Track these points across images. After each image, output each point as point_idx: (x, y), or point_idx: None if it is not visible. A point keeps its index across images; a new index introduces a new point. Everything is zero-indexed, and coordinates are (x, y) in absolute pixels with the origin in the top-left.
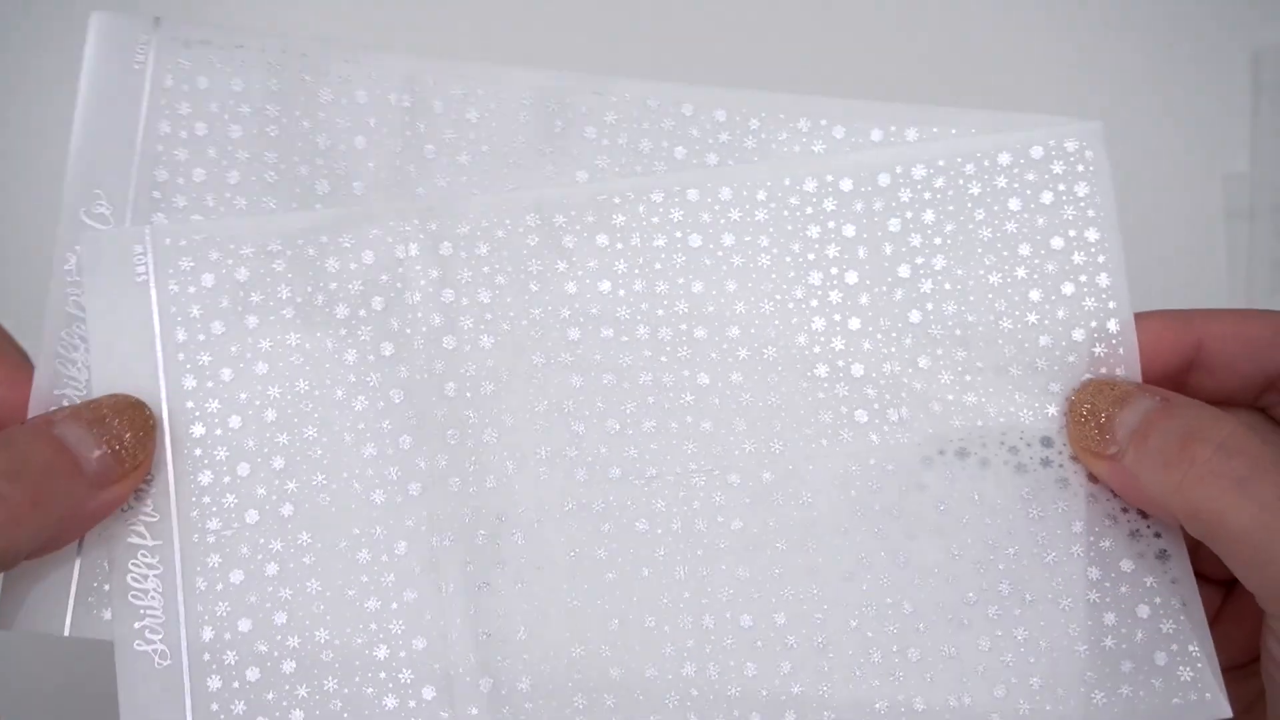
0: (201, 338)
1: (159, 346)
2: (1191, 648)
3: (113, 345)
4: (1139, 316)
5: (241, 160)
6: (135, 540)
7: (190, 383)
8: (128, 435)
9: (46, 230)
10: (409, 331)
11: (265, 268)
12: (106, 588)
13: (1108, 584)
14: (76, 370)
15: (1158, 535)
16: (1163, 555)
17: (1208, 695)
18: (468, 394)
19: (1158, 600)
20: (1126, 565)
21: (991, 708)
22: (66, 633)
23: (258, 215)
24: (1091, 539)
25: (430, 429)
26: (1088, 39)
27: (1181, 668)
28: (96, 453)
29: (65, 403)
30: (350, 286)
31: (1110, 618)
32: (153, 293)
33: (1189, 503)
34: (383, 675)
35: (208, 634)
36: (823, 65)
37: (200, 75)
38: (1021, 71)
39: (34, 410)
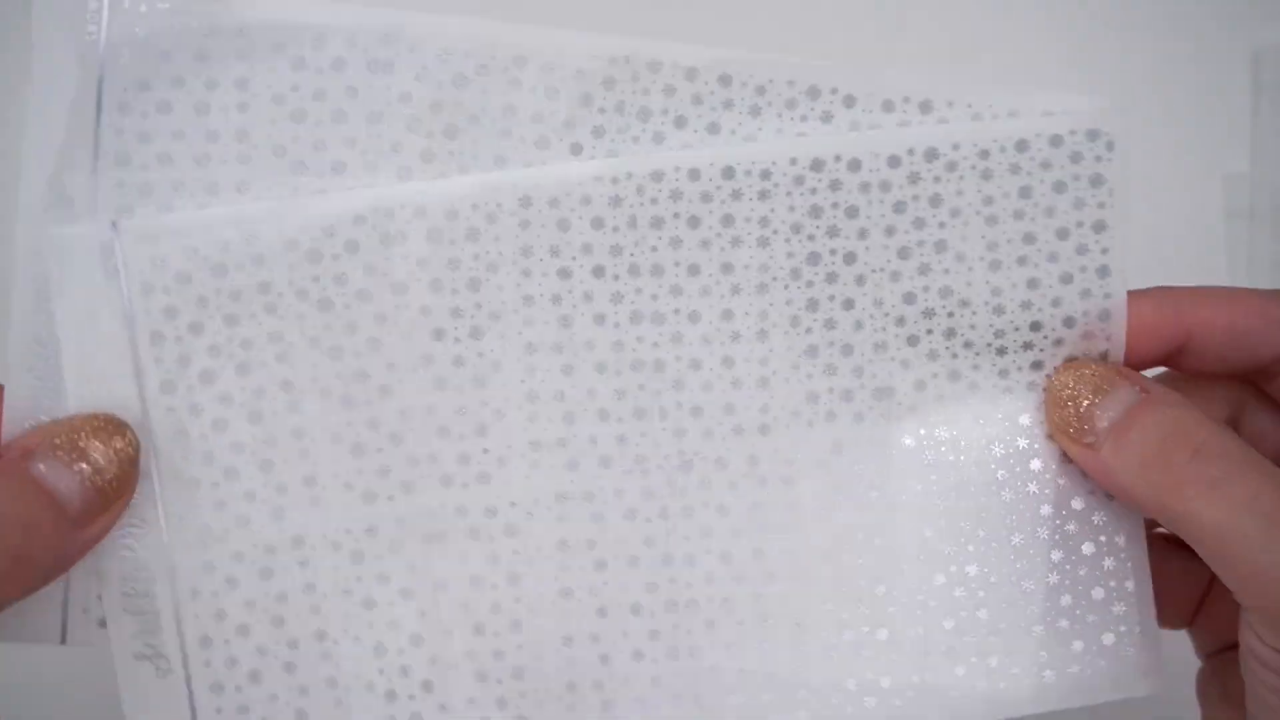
0: (182, 339)
1: (136, 350)
2: (1138, 628)
3: (86, 352)
4: (1132, 295)
5: (212, 148)
6: (126, 553)
7: (171, 386)
8: (109, 464)
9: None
10: (399, 326)
11: (246, 264)
12: (99, 596)
13: (1068, 566)
14: (50, 383)
15: (1120, 518)
16: (1122, 537)
17: (1146, 675)
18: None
19: (1112, 584)
20: (1088, 549)
21: (951, 685)
22: (61, 642)
23: (236, 207)
24: (1058, 522)
25: (420, 424)
26: (1088, 39)
27: (1128, 648)
28: (78, 490)
29: (43, 416)
30: (338, 280)
31: (1067, 600)
32: (127, 293)
33: (1163, 503)
34: (380, 673)
35: (207, 639)
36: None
37: (162, 47)
38: (1021, 71)
39: (9, 430)
